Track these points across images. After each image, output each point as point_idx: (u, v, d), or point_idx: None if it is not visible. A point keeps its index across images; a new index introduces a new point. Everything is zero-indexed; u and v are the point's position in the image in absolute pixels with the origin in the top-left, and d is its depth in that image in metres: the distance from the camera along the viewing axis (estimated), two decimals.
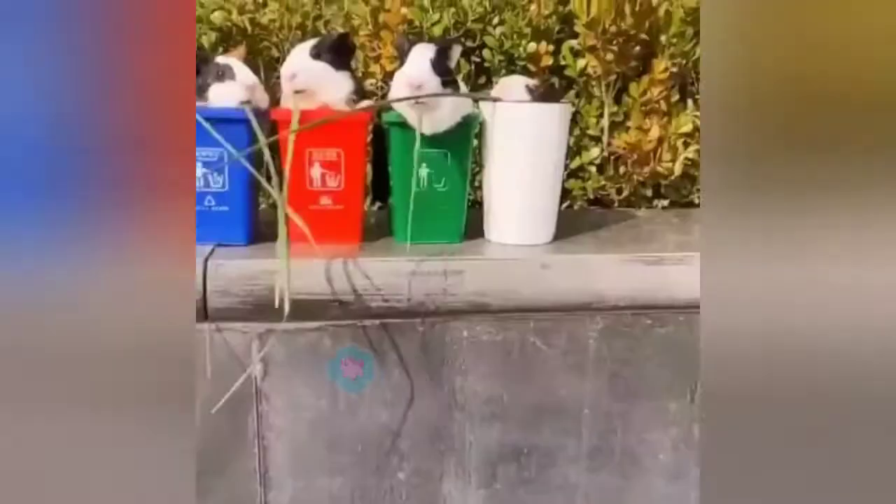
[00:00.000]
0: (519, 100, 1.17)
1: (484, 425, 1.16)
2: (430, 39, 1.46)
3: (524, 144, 1.16)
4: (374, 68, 1.53)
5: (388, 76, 1.52)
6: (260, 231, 1.18)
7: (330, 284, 1.07)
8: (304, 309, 1.06)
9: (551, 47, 1.46)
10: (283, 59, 1.58)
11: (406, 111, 1.12)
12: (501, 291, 1.11)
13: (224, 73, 1.08)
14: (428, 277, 1.09)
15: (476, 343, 1.13)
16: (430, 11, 1.44)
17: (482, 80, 1.53)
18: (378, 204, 1.45)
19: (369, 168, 1.31)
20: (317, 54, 1.12)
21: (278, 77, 1.16)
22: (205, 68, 1.09)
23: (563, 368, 1.17)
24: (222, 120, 1.06)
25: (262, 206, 1.42)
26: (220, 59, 1.10)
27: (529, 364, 1.16)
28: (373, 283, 1.08)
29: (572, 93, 1.54)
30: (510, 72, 1.48)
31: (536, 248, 1.18)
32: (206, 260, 1.04)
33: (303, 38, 1.61)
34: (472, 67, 1.50)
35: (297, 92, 1.10)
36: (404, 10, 1.46)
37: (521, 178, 1.17)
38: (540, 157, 1.16)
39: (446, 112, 1.12)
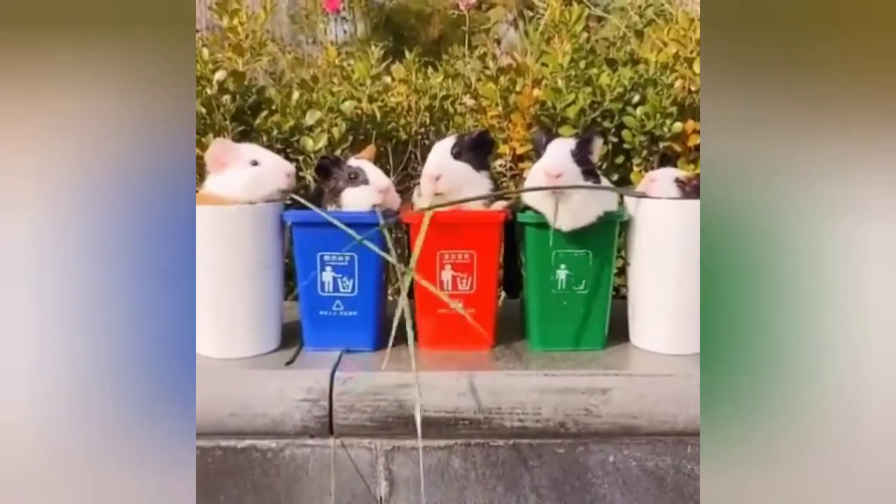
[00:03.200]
0: (668, 195, 1.05)
1: None
2: (564, 120, 1.38)
3: (676, 244, 1.03)
4: (504, 149, 1.46)
5: (517, 158, 1.46)
6: (387, 335, 1.12)
7: (459, 400, 0.99)
8: (433, 426, 0.99)
9: (699, 125, 1.33)
10: (412, 142, 1.58)
11: (542, 205, 1.03)
12: (654, 413, 0.98)
13: (357, 176, 1.05)
14: (569, 395, 0.98)
15: (624, 469, 1.00)
16: (564, 92, 1.36)
17: (620, 159, 1.42)
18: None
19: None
20: (458, 153, 1.06)
21: (409, 176, 1.11)
22: (336, 171, 1.06)
23: None
24: (355, 224, 1.03)
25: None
26: (353, 162, 1.07)
27: (686, 495, 1.01)
28: (507, 399, 0.99)
29: None
30: (652, 152, 1.37)
31: (692, 359, 1.04)
32: (332, 373, 0.99)
33: (431, 120, 1.59)
34: (610, 148, 1.39)
35: (437, 194, 1.04)
36: (536, 91, 1.39)
37: (673, 280, 1.05)
38: (693, 256, 1.02)
39: (585, 204, 1.02)
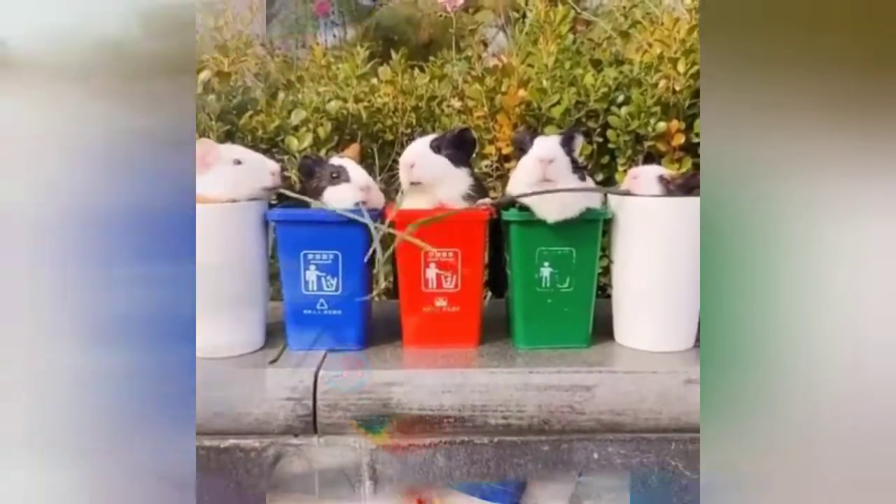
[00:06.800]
0: (652, 193, 1.06)
1: None
2: (549, 120, 1.38)
3: (659, 241, 1.04)
4: (490, 149, 1.46)
5: (503, 158, 1.46)
6: (373, 334, 1.12)
7: (444, 398, 0.98)
8: (417, 424, 0.98)
9: (683, 125, 1.34)
10: (398, 142, 1.58)
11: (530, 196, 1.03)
12: (638, 410, 0.98)
13: (339, 175, 1.05)
14: (553, 392, 0.98)
15: (608, 466, 1.00)
16: (549, 93, 1.37)
17: (605, 159, 1.43)
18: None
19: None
20: (437, 147, 1.07)
21: (395, 176, 1.11)
22: (319, 170, 1.06)
23: None
24: (338, 222, 1.02)
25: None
26: (335, 161, 1.07)
27: (671, 491, 1.01)
28: (491, 397, 0.98)
29: None
30: (636, 152, 1.37)
31: (676, 356, 1.04)
32: (315, 372, 0.99)
33: (418, 121, 1.59)
34: (595, 148, 1.40)
35: (413, 183, 1.05)
36: (522, 92, 1.40)
37: (656, 277, 1.05)
38: (677, 254, 1.03)
39: (573, 196, 1.03)
